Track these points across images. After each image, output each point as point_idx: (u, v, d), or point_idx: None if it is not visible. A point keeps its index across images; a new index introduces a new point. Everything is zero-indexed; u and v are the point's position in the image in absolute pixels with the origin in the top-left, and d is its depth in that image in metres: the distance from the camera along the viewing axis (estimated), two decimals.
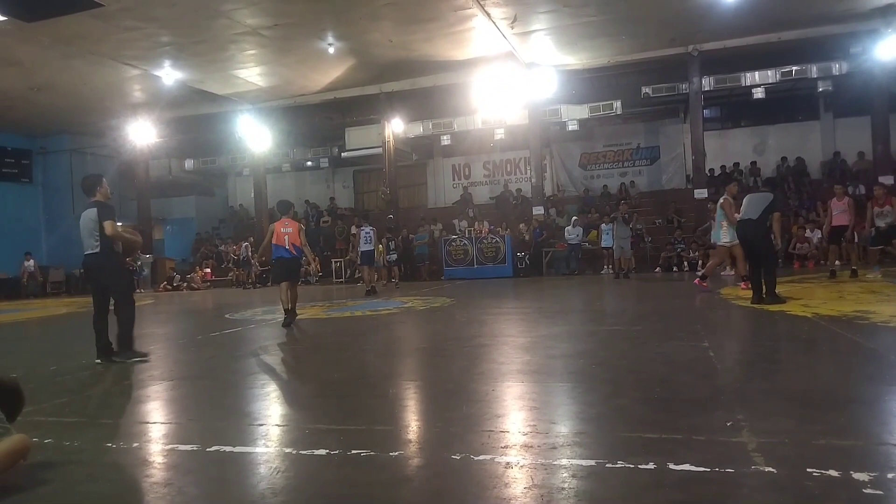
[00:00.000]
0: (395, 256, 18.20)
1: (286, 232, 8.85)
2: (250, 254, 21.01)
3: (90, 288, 6.38)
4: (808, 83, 18.74)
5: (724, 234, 10.66)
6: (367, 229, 15.54)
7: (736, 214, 9.24)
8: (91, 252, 6.12)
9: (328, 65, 18.26)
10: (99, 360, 6.11)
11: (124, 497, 2.74)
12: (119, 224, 6.30)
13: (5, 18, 13.62)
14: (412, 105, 21.20)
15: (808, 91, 19.80)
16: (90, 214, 6.12)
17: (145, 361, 6.11)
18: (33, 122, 22.45)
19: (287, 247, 8.84)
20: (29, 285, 22.49)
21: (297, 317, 8.97)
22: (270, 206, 24.60)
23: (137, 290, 22.06)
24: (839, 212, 11.78)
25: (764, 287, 8.15)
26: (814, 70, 17.83)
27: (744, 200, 8.58)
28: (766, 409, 3.49)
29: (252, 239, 21.81)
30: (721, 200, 10.56)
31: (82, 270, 6.68)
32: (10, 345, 9.53)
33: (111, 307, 6.21)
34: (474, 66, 18.55)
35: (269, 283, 19.58)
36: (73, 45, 15.53)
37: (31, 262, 22.77)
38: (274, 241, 8.88)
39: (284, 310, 8.73)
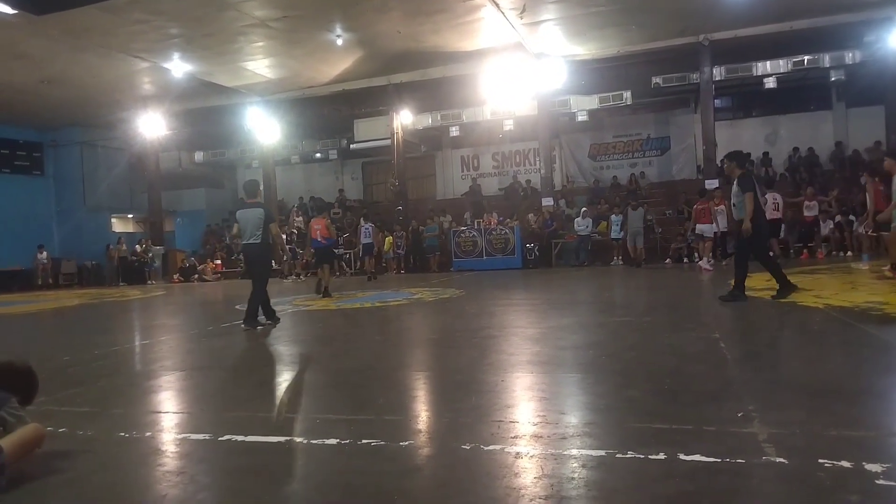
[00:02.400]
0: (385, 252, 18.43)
1: (316, 228, 11.72)
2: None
3: (249, 269, 8.08)
4: (821, 73, 18.54)
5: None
6: (367, 225, 17.93)
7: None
8: (252, 242, 7.63)
9: (336, 56, 18.24)
10: (268, 322, 7.75)
11: (138, 486, 2.76)
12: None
13: (15, 11, 13.67)
14: (421, 96, 21.15)
15: (820, 80, 19.60)
16: (256, 213, 7.66)
17: (262, 327, 7.62)
18: (44, 116, 22.58)
19: (319, 238, 11.66)
20: (42, 277, 22.68)
21: (308, 307, 9.24)
22: (280, 198, 24.72)
23: (149, 282, 22.25)
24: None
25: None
26: (826, 59, 17.64)
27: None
28: (777, 400, 3.48)
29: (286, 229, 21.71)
30: None
31: (241, 255, 8.82)
32: (24, 336, 9.62)
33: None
34: (483, 56, 18.48)
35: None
36: (83, 37, 15.58)
37: (44, 254, 22.97)
38: (311, 236, 11.99)
39: (325, 286, 11.48)
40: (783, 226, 16.82)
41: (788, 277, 7.90)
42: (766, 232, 7.93)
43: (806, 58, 17.67)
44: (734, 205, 7.80)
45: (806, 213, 16.67)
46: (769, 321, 6.78)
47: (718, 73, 18.48)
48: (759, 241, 7.75)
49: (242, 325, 7.60)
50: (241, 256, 8.78)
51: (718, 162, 19.53)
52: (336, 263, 15.47)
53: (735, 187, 7.72)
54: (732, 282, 7.81)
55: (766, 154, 21.72)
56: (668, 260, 17.58)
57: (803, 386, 3.77)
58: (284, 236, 21.65)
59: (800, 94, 21.12)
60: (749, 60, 18.21)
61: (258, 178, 25.58)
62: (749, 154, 21.32)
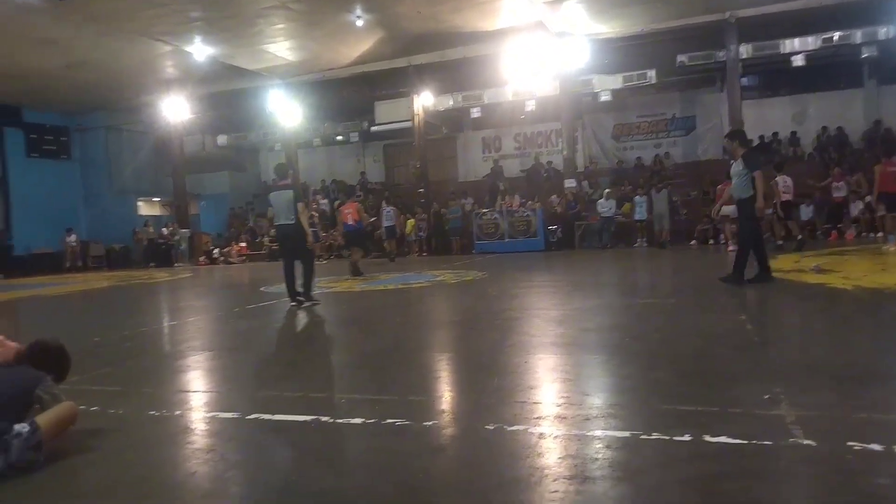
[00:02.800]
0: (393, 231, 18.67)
1: (347, 211, 12.67)
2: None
3: (283, 249, 8.38)
4: (852, 49, 18.02)
5: None
6: (388, 209, 18.45)
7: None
8: (287, 223, 7.91)
9: (357, 38, 18.17)
10: (293, 303, 7.85)
11: (168, 463, 2.82)
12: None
13: None
14: (441, 78, 21.02)
15: (850, 57, 19.04)
16: (287, 195, 7.90)
17: (318, 304, 7.97)
18: (70, 100, 22.86)
19: (350, 222, 12.58)
20: (71, 260, 23.12)
21: (332, 289, 9.41)
22: (302, 181, 24.82)
23: (176, 264, 22.58)
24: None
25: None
26: (858, 35, 17.13)
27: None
28: (804, 383, 3.44)
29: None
30: None
31: (276, 236, 9.18)
32: (54, 317, 9.84)
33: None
34: (504, 36, 18.27)
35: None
36: (106, 22, 15.70)
37: (73, 236, 23.38)
38: (342, 220, 12.99)
39: (352, 265, 12.14)
40: (811, 206, 16.58)
41: (797, 261, 7.72)
42: (759, 212, 7.57)
43: (836, 34, 17.18)
44: (735, 184, 7.59)
45: (835, 194, 16.36)
46: (797, 303, 6.69)
47: (745, 50, 18.06)
48: (750, 224, 7.56)
49: (294, 304, 7.93)
50: (276, 237, 9.07)
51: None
52: (368, 245, 16.04)
53: (737, 167, 7.53)
54: (755, 262, 7.55)
55: (793, 133, 21.27)
56: (693, 241, 17.38)
57: (832, 368, 3.72)
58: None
59: (829, 71, 20.55)
60: (777, 38, 17.77)
61: (281, 161, 25.85)
62: (775, 134, 21.07)
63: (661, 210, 16.96)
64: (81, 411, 3.23)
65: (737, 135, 7.90)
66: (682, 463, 2.40)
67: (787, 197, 14.19)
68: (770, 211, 14.60)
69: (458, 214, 20.57)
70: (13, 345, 3.26)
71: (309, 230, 8.06)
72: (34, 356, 3.11)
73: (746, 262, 7.45)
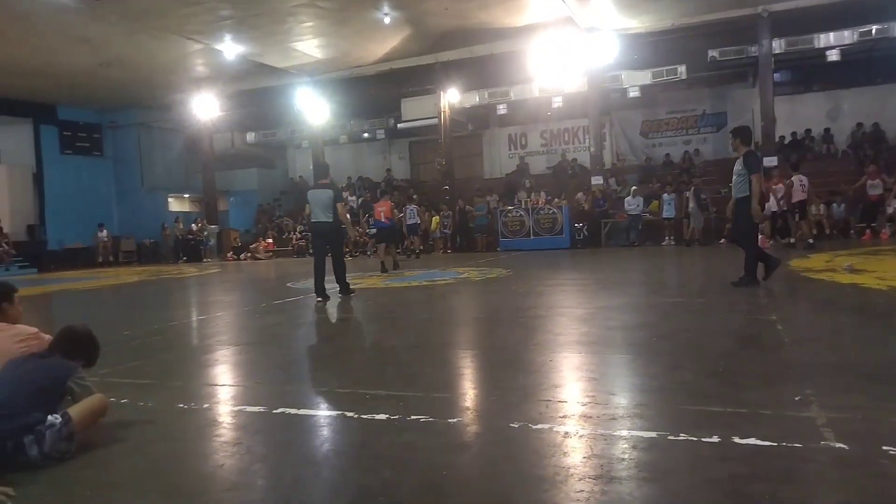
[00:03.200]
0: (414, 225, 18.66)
1: (381, 209, 13.40)
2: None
3: (315, 245, 8.62)
4: (890, 43, 17.54)
5: None
6: (411, 207, 18.65)
7: None
8: (324, 221, 8.08)
9: (384, 35, 18.22)
10: (319, 299, 8.05)
11: (196, 455, 2.87)
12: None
13: None
14: (468, 74, 20.97)
15: (889, 52, 18.57)
16: (327, 194, 8.12)
17: (354, 294, 8.48)
18: (103, 98, 23.29)
19: (382, 219, 13.31)
20: (102, 255, 23.59)
21: (357, 285, 9.44)
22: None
23: (205, 260, 22.92)
24: None
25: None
26: None
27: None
28: (836, 385, 3.36)
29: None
30: None
31: (311, 233, 9.36)
32: (86, 310, 10.05)
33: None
34: (532, 32, 18.16)
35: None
36: (139, 20, 15.96)
37: (105, 232, 23.85)
38: (375, 217, 13.80)
39: (382, 262, 12.81)
40: (843, 206, 16.25)
41: (829, 261, 7.49)
42: (756, 217, 7.26)
43: (874, 28, 16.72)
44: (733, 182, 7.36)
45: (870, 192, 15.96)
46: (829, 303, 6.55)
47: (778, 45, 17.67)
48: (749, 224, 7.25)
49: (340, 295, 8.38)
50: (311, 233, 9.38)
51: (777, 138, 18.94)
52: (401, 240, 17.00)
53: (738, 165, 7.30)
54: (765, 265, 7.31)
55: (827, 130, 20.82)
56: (722, 240, 17.11)
57: (865, 370, 3.63)
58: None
59: (866, 66, 20.06)
60: (811, 32, 17.36)
61: (307, 158, 26.10)
62: (808, 130, 20.65)
63: (691, 208, 16.77)
64: (112, 403, 3.29)
65: (741, 132, 7.62)
66: (710, 464, 2.37)
67: (802, 196, 14.10)
68: (772, 211, 14.39)
69: (483, 211, 20.53)
70: (48, 337, 3.34)
71: (350, 228, 8.45)
72: (64, 344, 3.17)
73: (756, 263, 7.24)
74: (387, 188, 18.18)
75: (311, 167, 25.01)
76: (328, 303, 7.99)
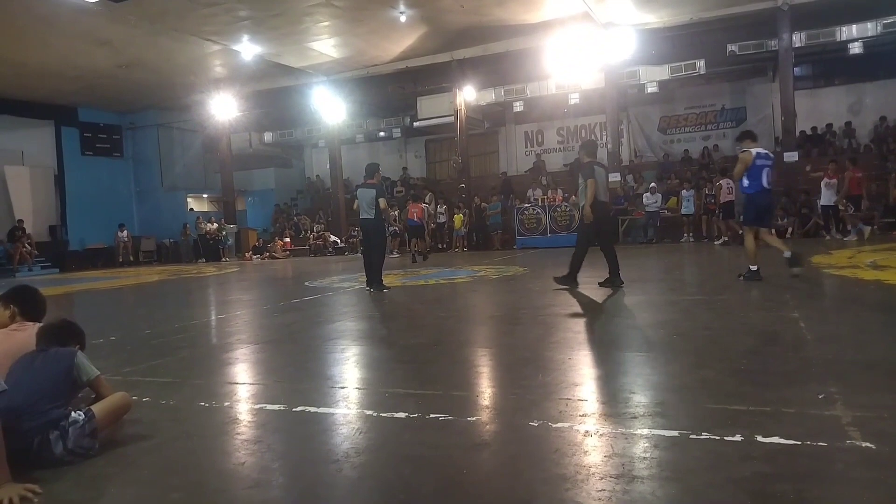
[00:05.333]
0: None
1: (414, 210, 16.30)
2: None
3: (364, 240, 9.52)
4: None
5: None
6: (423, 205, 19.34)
7: None
8: (367, 217, 8.82)
9: (400, 33, 18.24)
10: (369, 289, 8.81)
11: (218, 453, 2.89)
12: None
13: (98, 0, 14.26)
14: (484, 72, 20.93)
15: None
16: (371, 192, 8.76)
17: (388, 290, 8.83)
18: (123, 99, 23.55)
19: (414, 218, 16.17)
20: (123, 254, 23.87)
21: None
22: (346, 177, 25.10)
23: (224, 259, 23.10)
24: None
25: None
26: None
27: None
28: (861, 383, 3.31)
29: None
30: None
31: (358, 229, 10.87)
32: (107, 310, 10.18)
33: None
34: (548, 28, 18.07)
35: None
36: (158, 22, 16.12)
37: (125, 232, 24.13)
38: (408, 216, 16.61)
39: (413, 253, 15.87)
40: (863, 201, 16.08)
41: (852, 257, 7.50)
42: (608, 220, 8.46)
43: None
44: (578, 192, 8.10)
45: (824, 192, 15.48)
46: (852, 301, 6.45)
47: (798, 39, 17.43)
48: (600, 227, 7.99)
49: (369, 289, 8.81)
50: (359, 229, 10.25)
51: (798, 133, 18.67)
52: (426, 237, 18.12)
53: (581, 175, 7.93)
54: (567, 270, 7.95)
55: (848, 124, 20.52)
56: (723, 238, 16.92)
57: (891, 367, 3.58)
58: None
59: (888, 58, 19.68)
60: (832, 25, 17.09)
61: (324, 157, 26.22)
62: (829, 125, 20.31)
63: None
64: (135, 401, 3.33)
65: (586, 145, 8.39)
66: (733, 464, 2.34)
67: (730, 198, 15.22)
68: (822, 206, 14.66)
69: (498, 210, 20.49)
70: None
71: (391, 221, 9.29)
72: (54, 337, 3.12)
73: (577, 263, 7.97)
74: (419, 193, 18.82)
75: (328, 166, 25.18)
76: (382, 293, 8.66)
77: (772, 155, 8.08)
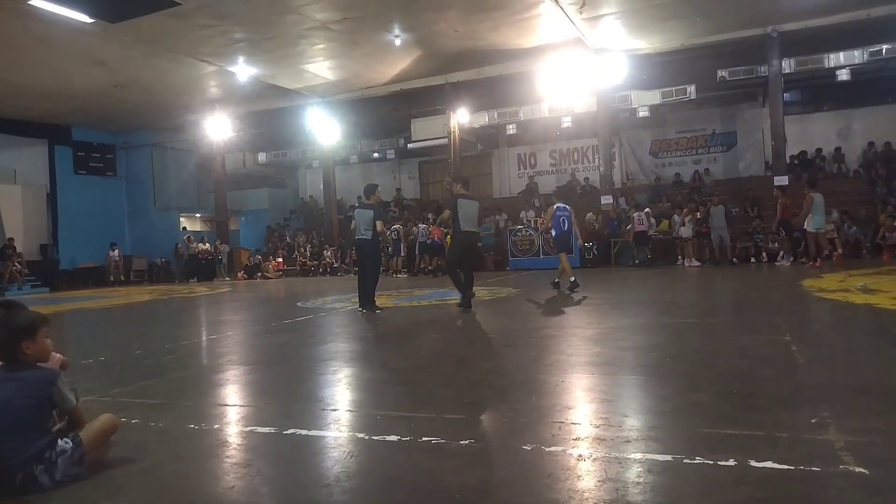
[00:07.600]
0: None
1: (435, 232, 18.15)
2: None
3: (359, 260, 9.59)
4: None
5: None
6: (423, 226, 19.94)
7: None
8: (363, 238, 8.88)
9: (394, 56, 18.40)
10: (362, 310, 8.81)
11: (207, 476, 2.85)
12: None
13: (93, 20, 14.34)
14: (478, 95, 21.10)
15: None
16: (369, 213, 8.89)
17: (381, 311, 8.87)
18: (117, 119, 23.59)
19: (436, 239, 18.35)
20: (114, 274, 23.73)
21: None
22: (339, 197, 25.13)
23: (217, 278, 23.00)
24: None
25: None
26: None
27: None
28: (854, 407, 3.31)
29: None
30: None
31: (355, 248, 10.59)
32: (98, 329, 10.09)
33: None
34: (541, 53, 18.29)
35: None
36: (154, 43, 16.21)
37: (116, 251, 24.02)
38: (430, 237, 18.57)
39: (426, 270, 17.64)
40: (853, 227, 16.16)
41: (842, 281, 7.57)
42: (472, 248, 9.28)
43: (885, 47, 16.70)
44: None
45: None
46: (845, 324, 6.48)
47: (788, 65, 17.69)
48: (463, 254, 8.97)
49: (361, 310, 8.80)
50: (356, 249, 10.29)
51: (788, 157, 18.85)
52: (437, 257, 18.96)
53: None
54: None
55: (837, 149, 20.77)
56: (734, 259, 17.01)
57: (883, 392, 3.58)
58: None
59: (876, 85, 20.05)
60: (821, 52, 17.37)
61: (318, 177, 26.27)
62: (819, 150, 20.55)
63: (719, 224, 16.72)
64: (123, 423, 3.29)
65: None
66: (726, 489, 2.33)
67: (641, 228, 17.32)
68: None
69: (490, 231, 20.48)
70: (58, 357, 3.29)
71: (389, 240, 9.36)
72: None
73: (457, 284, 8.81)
74: (438, 215, 19.61)
75: (321, 187, 25.21)
76: (375, 314, 8.69)
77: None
